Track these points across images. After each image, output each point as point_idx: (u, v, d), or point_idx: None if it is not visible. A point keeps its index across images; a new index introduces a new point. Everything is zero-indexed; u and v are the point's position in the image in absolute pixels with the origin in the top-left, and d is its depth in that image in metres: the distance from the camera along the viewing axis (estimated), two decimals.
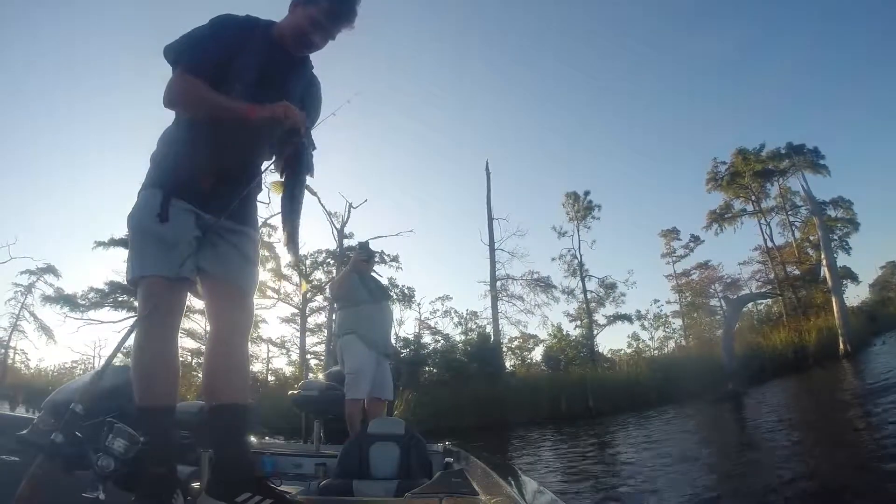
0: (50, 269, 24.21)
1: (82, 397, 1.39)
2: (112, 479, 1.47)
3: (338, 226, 19.14)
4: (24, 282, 24.47)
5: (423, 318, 22.49)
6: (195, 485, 1.71)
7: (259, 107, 1.55)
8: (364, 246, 4.39)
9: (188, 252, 1.56)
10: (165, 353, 1.59)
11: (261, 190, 1.81)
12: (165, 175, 1.63)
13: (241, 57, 1.67)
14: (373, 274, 4.19)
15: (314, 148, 1.80)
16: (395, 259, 21.05)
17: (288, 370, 21.76)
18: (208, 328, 1.80)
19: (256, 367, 21.96)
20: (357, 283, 3.88)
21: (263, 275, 19.72)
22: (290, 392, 3.77)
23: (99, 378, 1.45)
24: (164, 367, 1.58)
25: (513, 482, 1.75)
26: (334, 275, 17.75)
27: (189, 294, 1.69)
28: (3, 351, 24.44)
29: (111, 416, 1.54)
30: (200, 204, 1.62)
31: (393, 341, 4.25)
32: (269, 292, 20.26)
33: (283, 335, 22.80)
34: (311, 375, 17.96)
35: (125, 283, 1.71)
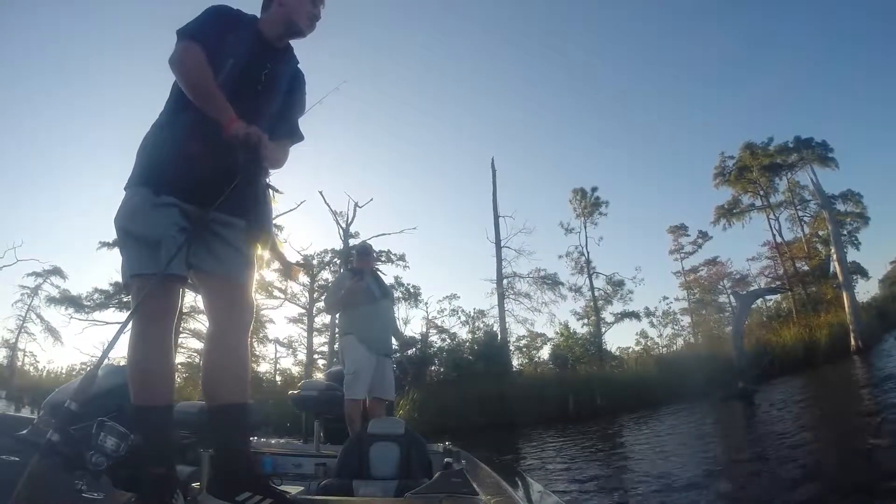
0: (56, 271, 24.50)
1: (77, 395, 1.39)
2: (108, 477, 1.48)
3: (343, 225, 19.20)
4: (30, 284, 24.76)
5: (430, 318, 22.48)
6: (195, 485, 1.70)
7: (239, 123, 1.54)
8: (364, 248, 4.38)
9: (174, 247, 1.53)
10: (160, 353, 1.58)
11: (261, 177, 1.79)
12: (147, 170, 1.63)
13: (232, 49, 1.68)
14: (377, 272, 4.17)
15: (298, 138, 1.86)
16: (402, 258, 21.09)
17: (295, 370, 21.88)
18: (207, 326, 1.79)
19: (263, 367, 22.08)
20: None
21: (270, 275, 19.83)
22: (290, 392, 3.77)
23: (92, 377, 1.44)
24: (159, 367, 1.57)
25: (513, 483, 1.73)
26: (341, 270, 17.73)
27: (194, 293, 1.69)
28: (10, 353, 24.73)
29: (110, 416, 1.56)
30: (186, 197, 1.60)
31: (405, 335, 4.22)
32: (276, 292, 20.40)
33: (290, 335, 22.88)
34: (316, 375, 18.02)
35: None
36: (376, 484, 2.18)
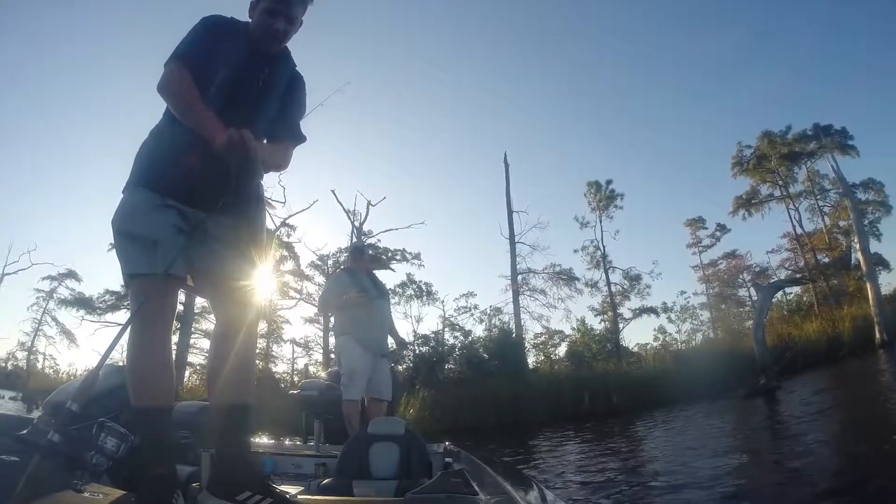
0: (71, 274, 24.92)
1: (78, 396, 1.39)
2: (108, 477, 1.49)
3: (356, 224, 19.26)
4: (45, 287, 25.27)
5: (446, 316, 22.43)
6: (195, 485, 1.71)
7: (225, 133, 1.52)
8: (358, 247, 4.39)
9: (172, 248, 1.55)
10: (158, 353, 1.59)
11: (258, 187, 1.79)
12: (146, 172, 1.64)
13: (226, 57, 1.70)
14: (375, 272, 4.16)
15: (300, 140, 1.84)
16: (417, 256, 21.07)
17: (311, 370, 22.07)
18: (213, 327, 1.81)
19: (282, 367, 22.31)
20: (348, 282, 3.85)
21: (284, 275, 20.02)
22: (290, 392, 3.80)
23: (93, 377, 1.45)
24: (157, 367, 1.58)
25: (513, 482, 1.71)
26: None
27: (196, 295, 1.69)
28: (26, 355, 25.32)
29: (111, 416, 1.56)
30: (184, 199, 1.61)
31: (400, 336, 4.21)
32: (292, 293, 20.59)
33: (306, 335, 23.07)
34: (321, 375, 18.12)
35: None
36: (376, 484, 2.18)
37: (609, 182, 22.06)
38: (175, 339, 14.89)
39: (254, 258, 1.76)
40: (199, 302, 15.61)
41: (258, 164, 1.60)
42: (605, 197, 21.91)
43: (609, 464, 6.36)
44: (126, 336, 1.56)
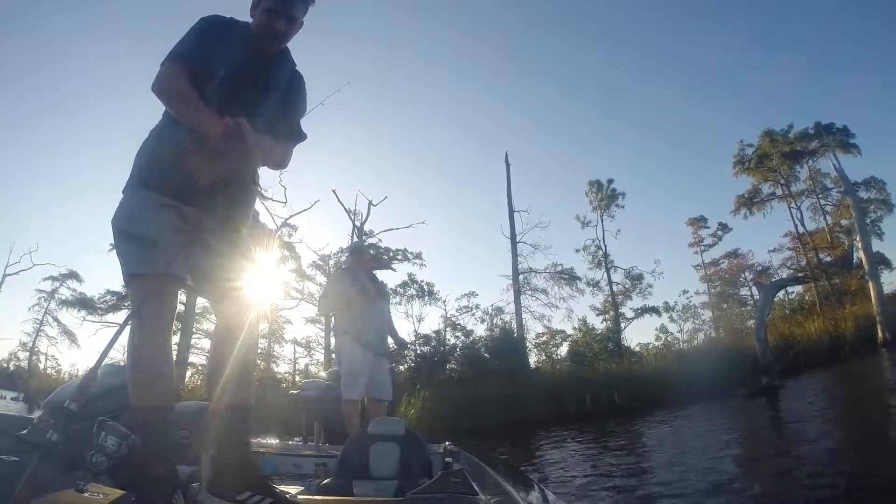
0: (73, 275, 24.86)
1: (77, 395, 1.39)
2: (109, 477, 1.49)
3: (358, 224, 19.24)
4: (47, 288, 25.22)
5: (448, 316, 22.39)
6: (195, 485, 1.70)
7: (221, 123, 1.54)
8: (357, 247, 4.38)
9: (172, 247, 1.55)
10: (159, 353, 1.59)
11: (254, 183, 1.79)
12: (146, 172, 1.65)
13: (224, 56, 1.70)
14: (375, 272, 4.15)
15: (301, 138, 1.85)
16: (419, 256, 21.06)
17: (313, 370, 22.08)
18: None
19: (283, 367, 22.31)
20: (348, 282, 3.84)
21: (286, 275, 20.01)
22: (290, 392, 3.80)
23: (92, 377, 1.45)
24: (158, 367, 1.58)
25: (513, 482, 1.70)
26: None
27: (197, 295, 1.69)
28: (28, 356, 25.33)
29: (111, 416, 1.56)
30: (184, 199, 1.61)
31: (400, 336, 4.20)
32: (293, 293, 20.58)
33: (308, 335, 23.05)
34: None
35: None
36: (376, 484, 2.17)
37: (610, 181, 22.12)
38: (175, 339, 14.90)
39: (252, 256, 1.76)
40: (200, 302, 15.63)
41: (256, 152, 1.61)
42: (606, 196, 21.91)
43: (611, 463, 6.35)
44: (126, 336, 1.57)
